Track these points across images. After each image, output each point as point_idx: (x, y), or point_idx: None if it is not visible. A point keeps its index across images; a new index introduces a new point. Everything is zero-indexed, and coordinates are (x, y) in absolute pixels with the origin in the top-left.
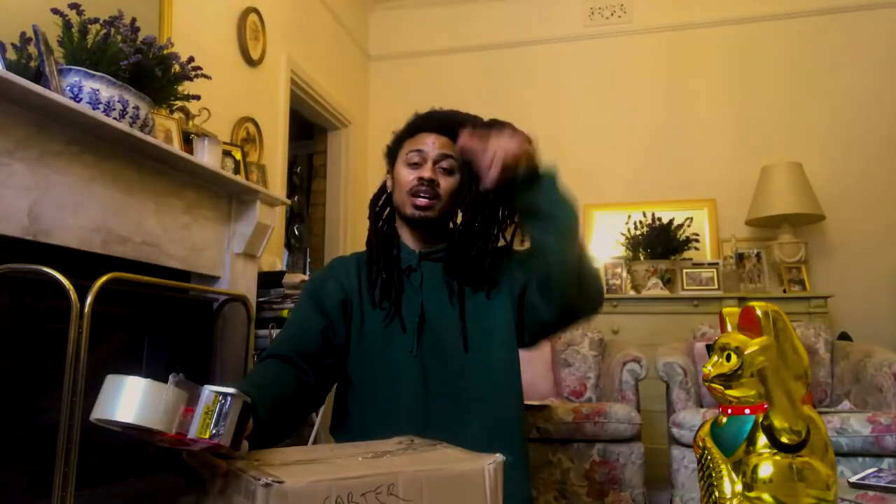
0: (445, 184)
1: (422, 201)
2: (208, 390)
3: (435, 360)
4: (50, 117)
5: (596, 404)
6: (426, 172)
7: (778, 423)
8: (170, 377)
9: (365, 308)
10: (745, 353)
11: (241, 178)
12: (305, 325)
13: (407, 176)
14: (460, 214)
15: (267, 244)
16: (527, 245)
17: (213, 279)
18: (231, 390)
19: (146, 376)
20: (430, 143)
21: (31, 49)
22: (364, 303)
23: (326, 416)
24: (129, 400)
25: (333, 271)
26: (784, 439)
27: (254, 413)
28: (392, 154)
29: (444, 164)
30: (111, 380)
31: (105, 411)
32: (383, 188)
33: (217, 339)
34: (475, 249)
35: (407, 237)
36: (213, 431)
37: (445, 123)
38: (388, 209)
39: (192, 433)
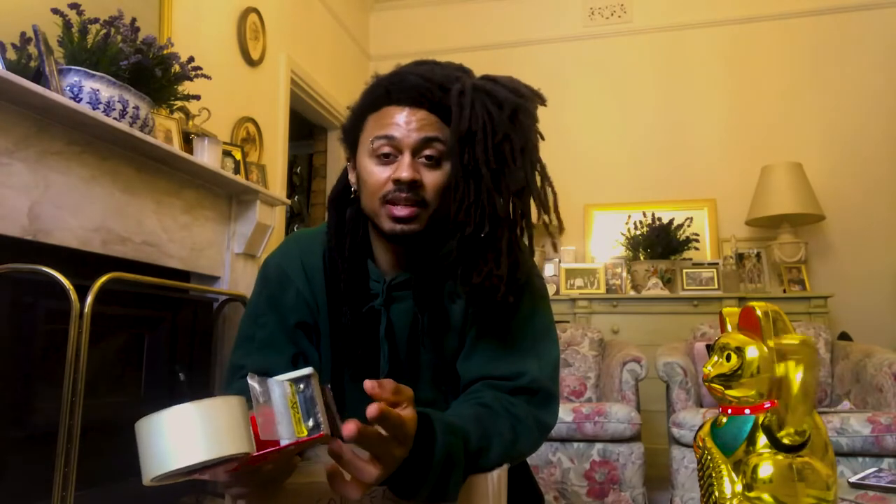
0: (432, 180)
1: (402, 210)
2: (277, 381)
3: None
4: (50, 117)
5: (596, 404)
6: (404, 171)
7: (787, 422)
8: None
9: (331, 342)
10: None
11: (241, 178)
12: (273, 350)
13: (377, 174)
14: (456, 225)
15: (267, 244)
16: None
17: (213, 279)
18: (305, 371)
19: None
20: (404, 125)
21: (31, 49)
22: (331, 335)
23: None
24: (189, 436)
25: (293, 270)
26: (786, 441)
27: None
28: (351, 136)
29: (428, 151)
30: (147, 423)
31: (163, 463)
32: (345, 183)
33: (217, 339)
34: (484, 273)
35: (381, 252)
36: (311, 424)
37: (422, 91)
38: (355, 211)
39: (287, 436)
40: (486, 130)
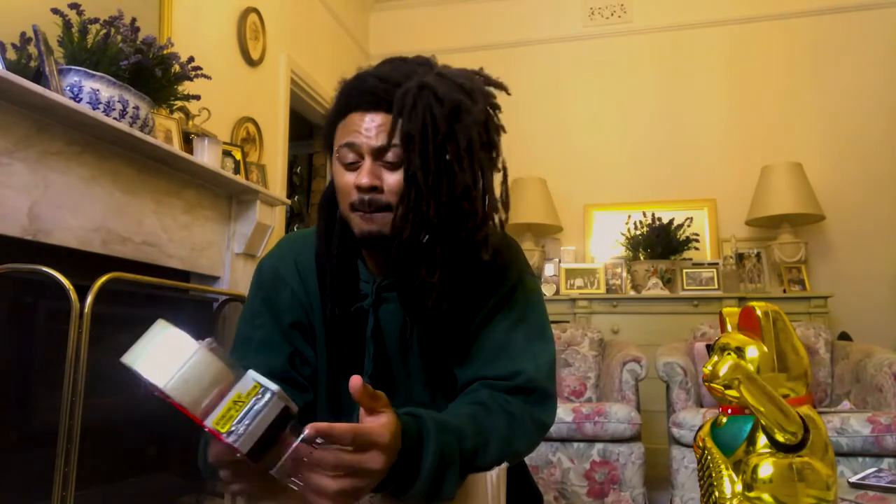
0: (394, 182)
1: (366, 218)
2: (250, 376)
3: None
4: (50, 117)
5: (596, 404)
6: (363, 177)
7: (775, 430)
8: (205, 342)
9: (325, 342)
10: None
11: (241, 178)
12: (271, 350)
13: (343, 180)
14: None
15: (267, 244)
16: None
17: (213, 279)
18: (273, 387)
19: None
20: (364, 131)
21: (31, 49)
22: (325, 334)
23: None
24: (162, 356)
25: (287, 271)
26: (780, 438)
27: None
28: (328, 143)
29: (388, 156)
30: (159, 327)
31: (133, 359)
32: (333, 186)
33: (217, 339)
34: (418, 280)
35: (367, 254)
36: (233, 428)
37: (378, 93)
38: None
39: (209, 422)
40: (426, 132)
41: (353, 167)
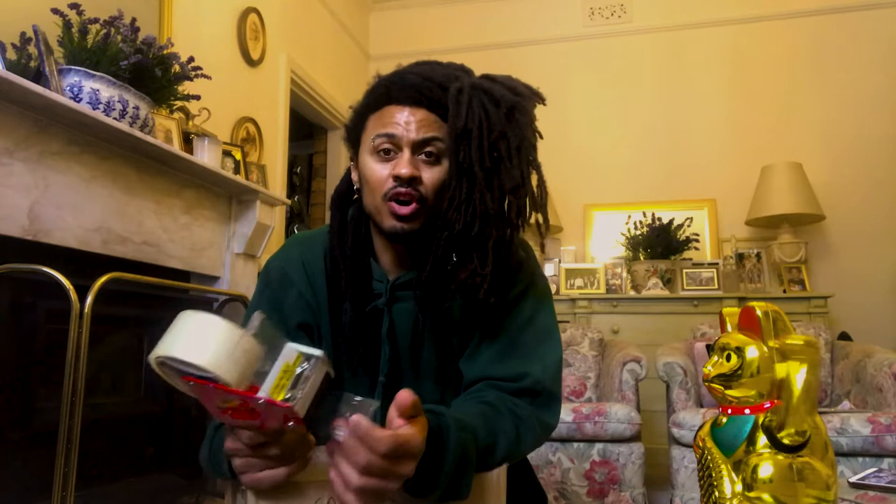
0: (431, 177)
1: (403, 209)
2: (291, 347)
3: None
4: (50, 117)
5: (596, 404)
6: (403, 167)
7: (788, 423)
8: (253, 317)
9: (332, 342)
10: (747, 353)
11: (241, 178)
12: None
13: (378, 171)
14: (446, 222)
15: (267, 244)
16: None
17: (213, 279)
18: (317, 352)
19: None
20: (404, 123)
21: (31, 49)
22: (332, 334)
23: None
24: (200, 339)
25: (294, 271)
26: (787, 441)
27: None
28: (354, 135)
29: (429, 149)
30: (183, 316)
31: (169, 348)
32: (348, 182)
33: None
34: (469, 271)
35: (382, 251)
36: (289, 395)
37: (421, 90)
38: (356, 210)
39: (265, 391)
40: (482, 128)
41: (388, 158)
